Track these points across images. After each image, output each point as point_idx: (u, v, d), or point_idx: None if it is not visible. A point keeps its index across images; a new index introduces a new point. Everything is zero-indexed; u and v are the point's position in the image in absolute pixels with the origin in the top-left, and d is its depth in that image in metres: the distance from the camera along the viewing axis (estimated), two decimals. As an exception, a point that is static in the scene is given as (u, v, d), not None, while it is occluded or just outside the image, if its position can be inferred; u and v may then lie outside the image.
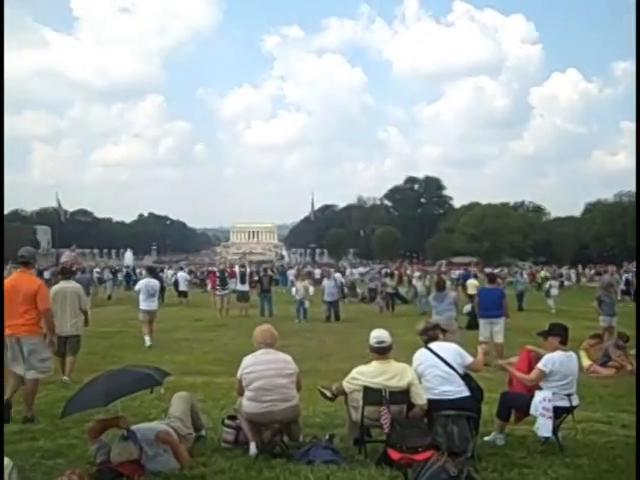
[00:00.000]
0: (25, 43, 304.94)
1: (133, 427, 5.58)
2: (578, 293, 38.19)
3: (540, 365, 6.19)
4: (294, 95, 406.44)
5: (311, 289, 23.96)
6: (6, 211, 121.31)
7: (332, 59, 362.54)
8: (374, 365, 5.87)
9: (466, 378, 6.05)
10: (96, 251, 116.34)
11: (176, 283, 29.93)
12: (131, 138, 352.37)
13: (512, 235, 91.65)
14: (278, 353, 6.20)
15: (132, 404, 7.58)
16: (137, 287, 16.19)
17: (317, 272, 47.06)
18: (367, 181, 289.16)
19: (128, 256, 77.08)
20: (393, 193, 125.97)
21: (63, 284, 10.58)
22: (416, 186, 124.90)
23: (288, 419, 5.99)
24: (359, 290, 32.49)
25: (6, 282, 7.85)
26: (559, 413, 6.12)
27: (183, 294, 28.82)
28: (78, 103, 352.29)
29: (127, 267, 46.88)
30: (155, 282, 16.14)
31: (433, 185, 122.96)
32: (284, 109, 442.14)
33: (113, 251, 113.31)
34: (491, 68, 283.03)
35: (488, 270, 34.28)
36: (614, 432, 7.00)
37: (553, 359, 6.17)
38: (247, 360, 6.09)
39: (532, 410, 6.12)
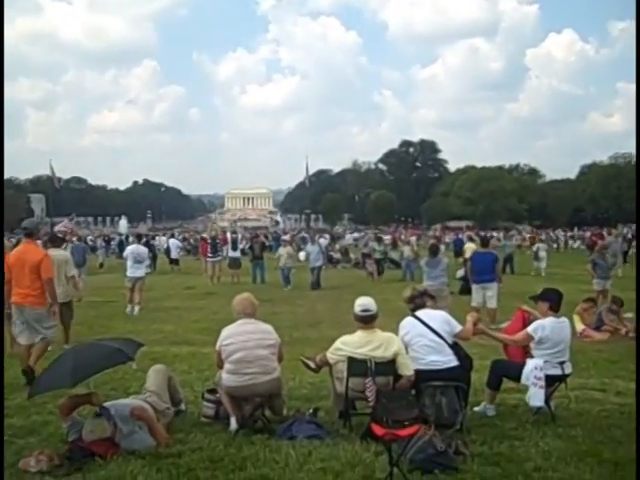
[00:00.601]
0: (18, 9, 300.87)
1: (107, 403, 5.35)
2: (572, 256, 38.18)
3: (529, 329, 5.98)
4: (289, 59, 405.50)
5: (302, 255, 23.76)
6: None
7: (327, 21, 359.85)
8: (359, 335, 5.61)
9: (455, 347, 5.86)
10: (90, 219, 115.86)
11: (168, 250, 29.68)
12: (126, 104, 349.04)
13: (507, 198, 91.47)
14: (259, 323, 5.95)
15: (114, 376, 7.38)
16: (125, 254, 16.18)
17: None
18: (362, 145, 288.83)
19: (122, 224, 76.69)
20: (388, 157, 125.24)
21: (51, 252, 10.09)
22: (411, 149, 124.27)
23: (270, 392, 5.75)
24: (352, 255, 32.31)
25: (12, 254, 8.27)
26: (551, 382, 5.90)
27: (175, 261, 28.61)
28: (72, 69, 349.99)
29: (121, 235, 46.61)
30: (143, 249, 16.11)
31: (428, 148, 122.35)
32: (279, 73, 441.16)
33: (108, 219, 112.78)
34: (486, 29, 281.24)
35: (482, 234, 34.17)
36: (608, 400, 6.79)
37: (543, 325, 5.94)
38: (226, 331, 5.84)
39: (523, 379, 5.89)
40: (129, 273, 15.25)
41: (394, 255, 26.72)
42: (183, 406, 6.21)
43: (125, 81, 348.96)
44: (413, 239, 36.13)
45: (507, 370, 6.18)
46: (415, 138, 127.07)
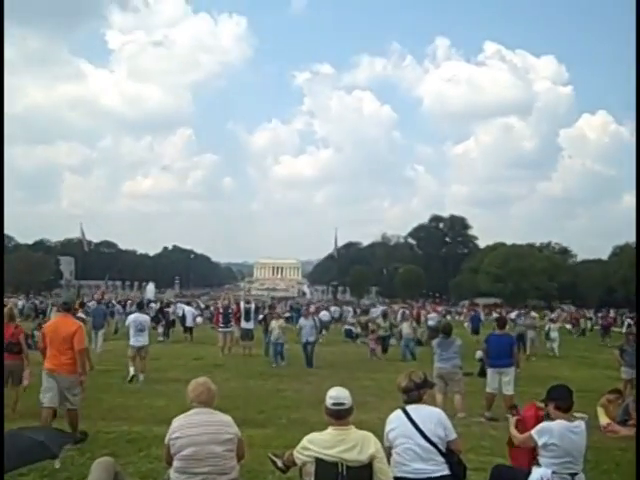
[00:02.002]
0: (61, 75, 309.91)
1: None
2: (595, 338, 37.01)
3: (534, 431, 5.18)
4: (323, 131, 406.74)
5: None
6: (31, 241, 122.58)
7: (362, 96, 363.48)
8: (329, 432, 4.76)
9: (448, 453, 4.99)
10: (118, 283, 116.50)
11: (184, 318, 29.08)
12: (160, 170, 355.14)
13: (537, 277, 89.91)
14: (215, 413, 5.08)
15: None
16: (127, 322, 16.20)
17: (333, 309, 46.21)
18: (393, 219, 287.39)
19: (150, 289, 77.00)
20: (418, 231, 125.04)
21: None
22: (441, 225, 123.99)
23: None
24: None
25: (49, 324, 9.12)
26: (560, 496, 5.00)
27: (189, 330, 27.95)
28: (109, 135, 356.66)
29: (148, 300, 46.19)
30: (145, 317, 16.06)
31: (458, 224, 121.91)
32: (312, 145, 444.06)
33: (136, 283, 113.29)
34: (521, 108, 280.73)
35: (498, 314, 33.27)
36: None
37: (551, 429, 5.09)
38: (176, 422, 5.01)
39: (527, 492, 5.02)
40: (131, 342, 15.19)
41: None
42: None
43: (160, 148, 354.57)
44: (432, 315, 34.95)
45: (509, 479, 5.33)
46: (445, 213, 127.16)
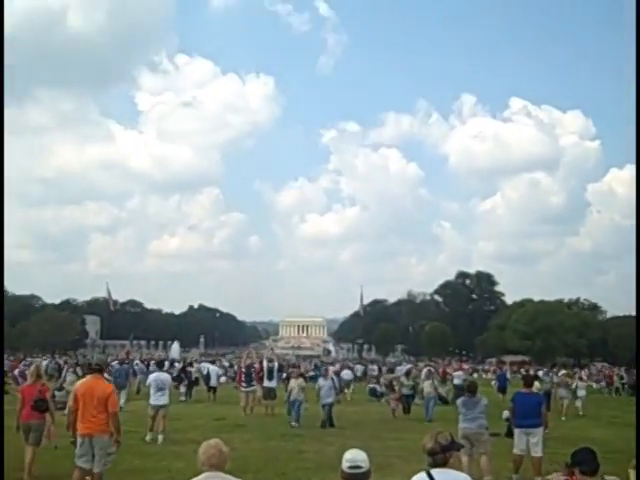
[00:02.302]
0: (91, 136, 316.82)
1: None
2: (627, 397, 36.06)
3: None
4: (349, 189, 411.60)
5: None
6: (58, 300, 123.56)
7: (388, 153, 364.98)
8: None
9: None
10: (143, 342, 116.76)
11: (208, 377, 28.84)
12: (187, 230, 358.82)
13: (566, 334, 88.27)
14: (226, 478, 4.94)
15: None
16: (147, 382, 16.28)
17: (357, 368, 45.76)
18: (419, 276, 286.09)
19: (175, 348, 76.91)
20: (444, 288, 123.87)
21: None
22: (468, 281, 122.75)
23: None
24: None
25: (82, 385, 9.04)
26: None
27: (212, 389, 27.69)
28: (137, 195, 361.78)
29: (172, 360, 46.02)
30: (166, 376, 16.20)
31: (485, 280, 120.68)
32: (339, 203, 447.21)
33: (160, 343, 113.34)
34: (548, 164, 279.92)
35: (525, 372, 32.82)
36: None
37: None
38: None
39: None
40: (152, 401, 15.24)
41: (442, 390, 25.48)
42: None
43: (187, 208, 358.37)
44: (457, 373, 34.41)
45: None
46: (472, 270, 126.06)
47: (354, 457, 4.59)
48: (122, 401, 20.88)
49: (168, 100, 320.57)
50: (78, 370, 26.88)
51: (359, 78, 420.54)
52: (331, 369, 40.55)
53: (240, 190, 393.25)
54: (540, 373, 38.37)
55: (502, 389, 30.04)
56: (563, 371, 30.72)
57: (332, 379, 20.43)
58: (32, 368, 12.11)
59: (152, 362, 39.11)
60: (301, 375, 22.34)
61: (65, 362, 42.26)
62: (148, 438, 14.51)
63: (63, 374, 29.28)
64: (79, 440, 8.56)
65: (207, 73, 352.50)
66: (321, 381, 19.95)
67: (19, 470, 9.69)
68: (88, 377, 9.36)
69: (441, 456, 4.74)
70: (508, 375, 37.43)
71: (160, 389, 15.18)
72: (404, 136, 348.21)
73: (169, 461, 11.62)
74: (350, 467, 4.54)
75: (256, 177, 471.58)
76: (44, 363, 39.98)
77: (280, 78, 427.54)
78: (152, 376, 16.05)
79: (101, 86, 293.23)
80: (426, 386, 22.72)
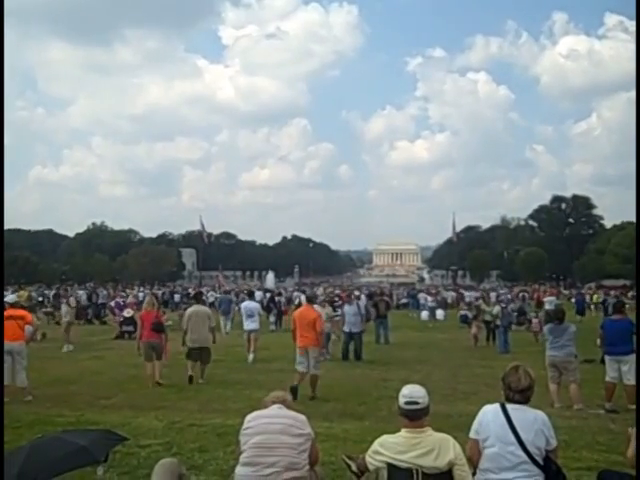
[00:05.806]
0: (178, 73, 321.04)
1: None
2: None
3: None
4: (437, 115, 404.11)
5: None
6: (155, 234, 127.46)
7: (476, 77, 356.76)
8: (403, 435, 4.28)
9: (546, 461, 4.34)
10: (239, 273, 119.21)
11: (299, 306, 29.04)
12: (277, 161, 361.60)
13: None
14: (291, 411, 4.86)
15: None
16: (240, 310, 18.87)
17: (449, 295, 45.23)
18: (512, 201, 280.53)
19: (269, 278, 78.51)
20: (539, 213, 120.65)
21: (196, 307, 13.95)
22: (563, 205, 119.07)
23: None
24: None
25: (297, 312, 12.55)
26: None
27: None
28: (226, 129, 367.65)
29: (266, 290, 46.77)
30: (254, 304, 17.61)
31: (582, 204, 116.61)
32: (428, 129, 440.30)
33: (255, 273, 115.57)
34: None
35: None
36: None
37: None
38: (249, 415, 4.80)
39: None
40: (245, 327, 16.82)
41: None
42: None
43: (276, 139, 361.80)
44: (549, 298, 33.43)
45: None
46: (568, 194, 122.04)
47: (411, 392, 4.37)
48: (228, 326, 23.80)
49: (252, 33, 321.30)
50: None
51: (443, 2, 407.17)
52: (422, 295, 40.50)
53: (328, 120, 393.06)
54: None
55: (581, 312, 30.39)
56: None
57: (358, 305, 18.71)
58: (148, 298, 14.63)
59: (237, 292, 39.90)
60: (330, 302, 20.66)
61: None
62: (250, 360, 16.06)
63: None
64: (297, 352, 11.47)
65: (290, 3, 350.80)
66: (346, 307, 18.30)
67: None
68: (303, 306, 12.83)
69: (529, 394, 4.52)
70: (587, 299, 37.35)
71: (249, 316, 16.57)
72: (493, 59, 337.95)
73: (251, 390, 11.47)
74: (407, 402, 4.33)
75: (343, 107, 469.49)
76: (140, 295, 40.98)
77: (363, 5, 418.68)
78: (243, 304, 17.98)
79: (186, 23, 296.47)
80: (496, 311, 20.89)
